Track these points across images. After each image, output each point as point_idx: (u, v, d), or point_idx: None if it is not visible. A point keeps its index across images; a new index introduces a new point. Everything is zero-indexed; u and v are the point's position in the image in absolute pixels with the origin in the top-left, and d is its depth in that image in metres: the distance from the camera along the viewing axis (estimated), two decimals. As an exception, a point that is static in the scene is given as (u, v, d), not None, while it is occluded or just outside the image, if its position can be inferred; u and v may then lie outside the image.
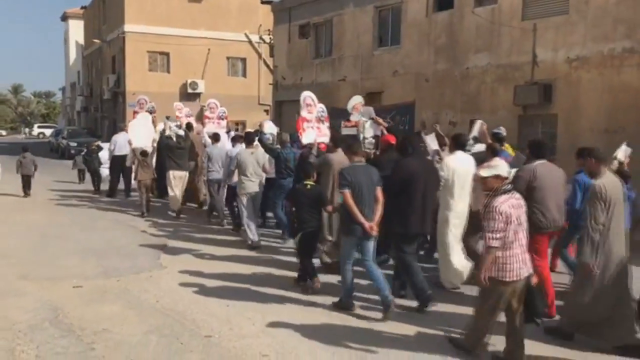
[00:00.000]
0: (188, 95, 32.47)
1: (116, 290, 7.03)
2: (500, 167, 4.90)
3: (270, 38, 27.83)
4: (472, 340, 5.10)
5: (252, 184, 9.53)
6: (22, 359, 4.96)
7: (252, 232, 9.47)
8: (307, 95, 10.29)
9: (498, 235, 4.65)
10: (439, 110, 16.68)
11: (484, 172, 4.93)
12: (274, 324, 5.86)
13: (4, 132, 70.73)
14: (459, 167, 6.87)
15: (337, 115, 20.56)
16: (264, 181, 9.88)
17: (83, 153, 18.17)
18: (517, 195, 4.90)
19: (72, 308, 6.30)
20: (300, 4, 22.50)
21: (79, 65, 50.69)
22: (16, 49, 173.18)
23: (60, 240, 9.83)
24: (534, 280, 4.92)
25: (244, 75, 35.37)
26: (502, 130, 9.26)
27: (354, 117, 11.00)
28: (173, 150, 12.34)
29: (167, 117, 14.58)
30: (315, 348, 5.26)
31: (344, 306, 6.39)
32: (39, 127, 67.17)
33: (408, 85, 17.64)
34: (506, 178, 4.88)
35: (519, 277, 4.72)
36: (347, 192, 6.16)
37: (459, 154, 7.06)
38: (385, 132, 9.60)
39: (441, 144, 8.44)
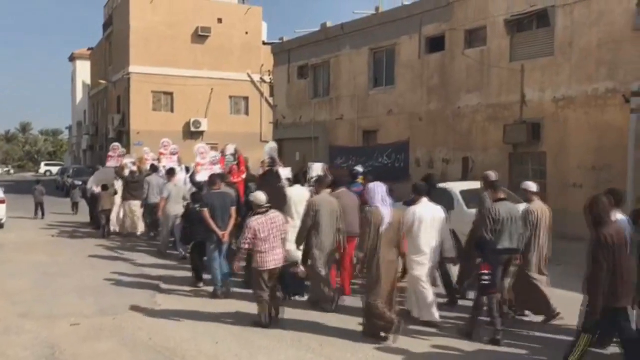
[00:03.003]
0: (192, 133, 33.11)
1: (112, 328, 7.30)
2: (257, 197, 7.39)
3: (270, 78, 28.52)
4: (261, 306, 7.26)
5: (174, 209, 12.17)
6: (18, 394, 5.25)
7: (164, 244, 12.49)
8: (200, 146, 13.60)
9: (246, 241, 7.13)
10: (433, 148, 17.11)
11: (253, 199, 7.40)
12: (259, 360, 6.12)
13: (12, 170, 71.38)
14: (294, 195, 9.33)
15: (336, 153, 21.13)
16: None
17: (80, 187, 20.55)
18: (272, 216, 7.27)
19: (68, 345, 6.58)
20: (299, 46, 23.24)
21: (85, 104, 51.75)
22: (25, 88, 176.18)
23: (60, 279, 10.11)
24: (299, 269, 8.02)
25: (247, 113, 36.05)
26: (359, 168, 11.83)
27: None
28: (128, 184, 14.86)
29: (125, 154, 16.85)
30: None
31: (215, 294, 8.60)
32: (45, 164, 67.69)
33: (402, 124, 18.13)
34: (261, 205, 7.29)
35: (268, 267, 7.20)
36: (206, 211, 8.70)
37: (297, 186, 9.67)
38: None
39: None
